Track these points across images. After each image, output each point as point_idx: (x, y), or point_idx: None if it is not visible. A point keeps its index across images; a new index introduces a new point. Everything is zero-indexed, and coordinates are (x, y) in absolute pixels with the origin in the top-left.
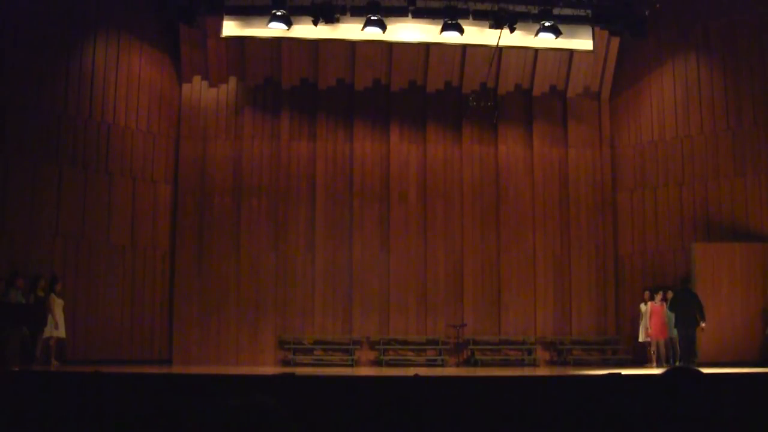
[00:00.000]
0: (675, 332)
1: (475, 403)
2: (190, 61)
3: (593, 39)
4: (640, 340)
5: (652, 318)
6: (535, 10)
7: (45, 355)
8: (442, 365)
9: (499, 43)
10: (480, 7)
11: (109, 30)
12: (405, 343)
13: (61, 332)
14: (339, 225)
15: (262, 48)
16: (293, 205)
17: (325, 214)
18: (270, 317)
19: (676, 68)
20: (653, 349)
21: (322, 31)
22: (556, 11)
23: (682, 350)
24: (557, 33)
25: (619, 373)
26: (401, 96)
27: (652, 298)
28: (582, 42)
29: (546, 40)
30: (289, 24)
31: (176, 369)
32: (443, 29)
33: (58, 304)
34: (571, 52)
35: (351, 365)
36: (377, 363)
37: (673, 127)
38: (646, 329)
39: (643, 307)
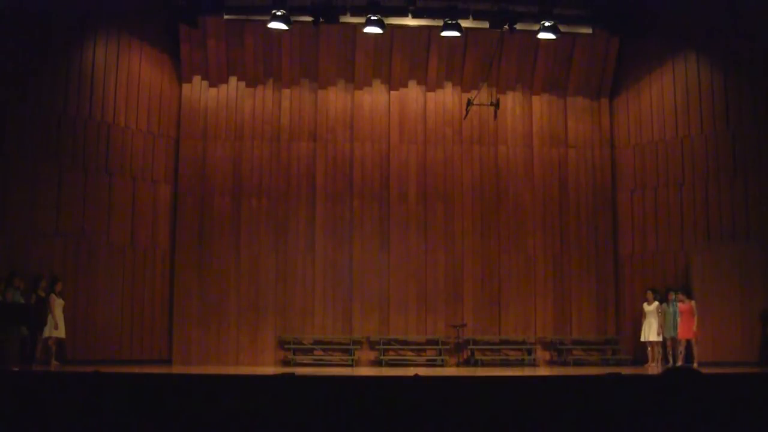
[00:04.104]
0: (677, 333)
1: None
2: (190, 61)
3: (593, 39)
4: (642, 339)
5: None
6: (535, 10)
7: (45, 355)
8: (442, 365)
9: (499, 42)
10: (480, 7)
11: (109, 30)
12: (405, 343)
13: (61, 332)
14: (339, 225)
15: (263, 48)
16: (293, 205)
17: (325, 214)
18: (270, 317)
19: (676, 68)
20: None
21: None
22: (556, 11)
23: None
24: (557, 33)
25: (619, 373)
26: (401, 95)
27: (655, 299)
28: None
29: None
30: (289, 24)
31: (176, 369)
32: (443, 29)
33: (58, 305)
34: (571, 53)
35: (351, 365)
36: (377, 363)
37: (673, 127)
38: (661, 328)
39: (646, 306)
